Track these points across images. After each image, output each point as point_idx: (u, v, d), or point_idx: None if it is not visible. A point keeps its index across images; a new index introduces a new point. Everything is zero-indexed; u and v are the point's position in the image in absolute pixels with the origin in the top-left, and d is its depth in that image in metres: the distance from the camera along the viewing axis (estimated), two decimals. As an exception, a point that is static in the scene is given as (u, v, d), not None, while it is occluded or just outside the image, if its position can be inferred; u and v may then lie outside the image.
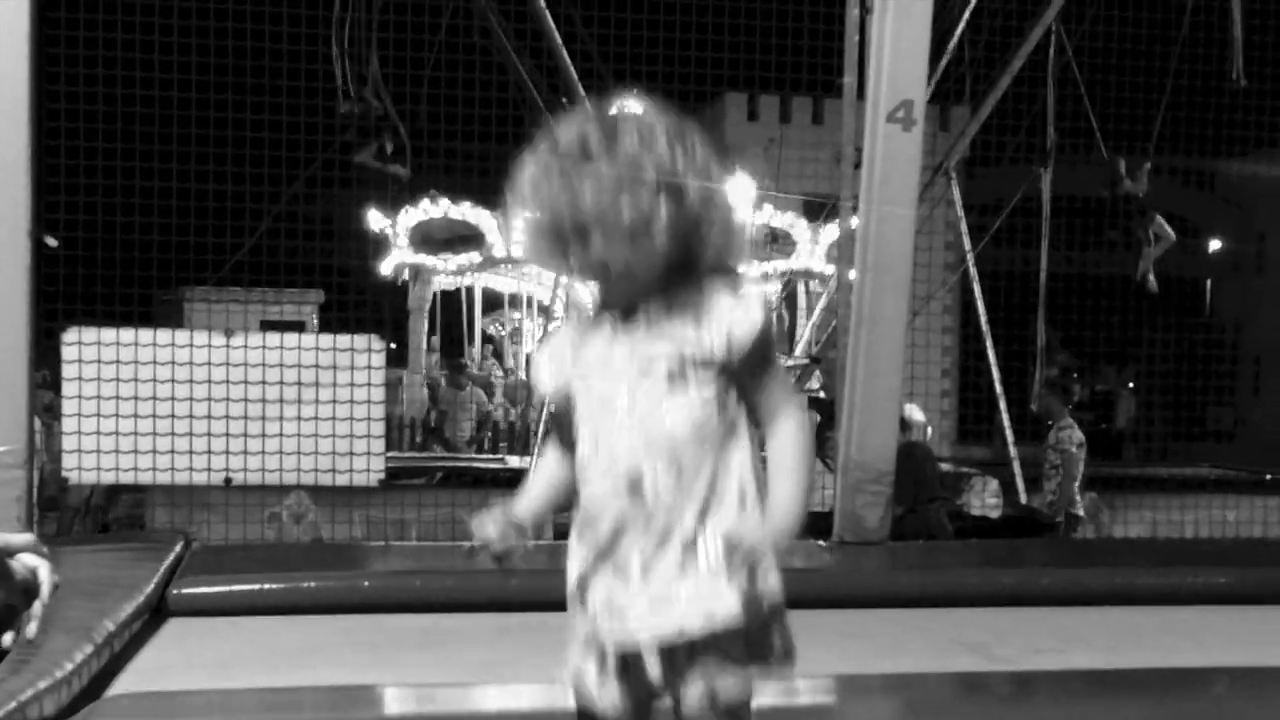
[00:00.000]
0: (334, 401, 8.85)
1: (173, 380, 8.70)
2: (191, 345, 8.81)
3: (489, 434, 17.58)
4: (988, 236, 13.72)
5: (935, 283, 13.66)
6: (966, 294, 13.90)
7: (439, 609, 6.01)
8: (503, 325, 22.56)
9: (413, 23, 12.23)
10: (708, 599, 2.40)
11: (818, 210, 18.19)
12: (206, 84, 12.60)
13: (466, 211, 17.26)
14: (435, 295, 19.82)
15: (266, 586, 6.19)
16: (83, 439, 8.56)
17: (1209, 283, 30.52)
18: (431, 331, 20.08)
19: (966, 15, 11.78)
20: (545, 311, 18.95)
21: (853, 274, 8.21)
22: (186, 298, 15.44)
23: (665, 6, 13.52)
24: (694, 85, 16.13)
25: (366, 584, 6.45)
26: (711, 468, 2.44)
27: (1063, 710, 4.63)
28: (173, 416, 8.70)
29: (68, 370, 8.58)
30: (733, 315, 2.42)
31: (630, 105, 2.57)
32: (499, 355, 22.02)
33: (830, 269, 15.90)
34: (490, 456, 15.10)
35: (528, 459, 11.64)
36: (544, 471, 2.65)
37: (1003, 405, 12.71)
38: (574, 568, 2.53)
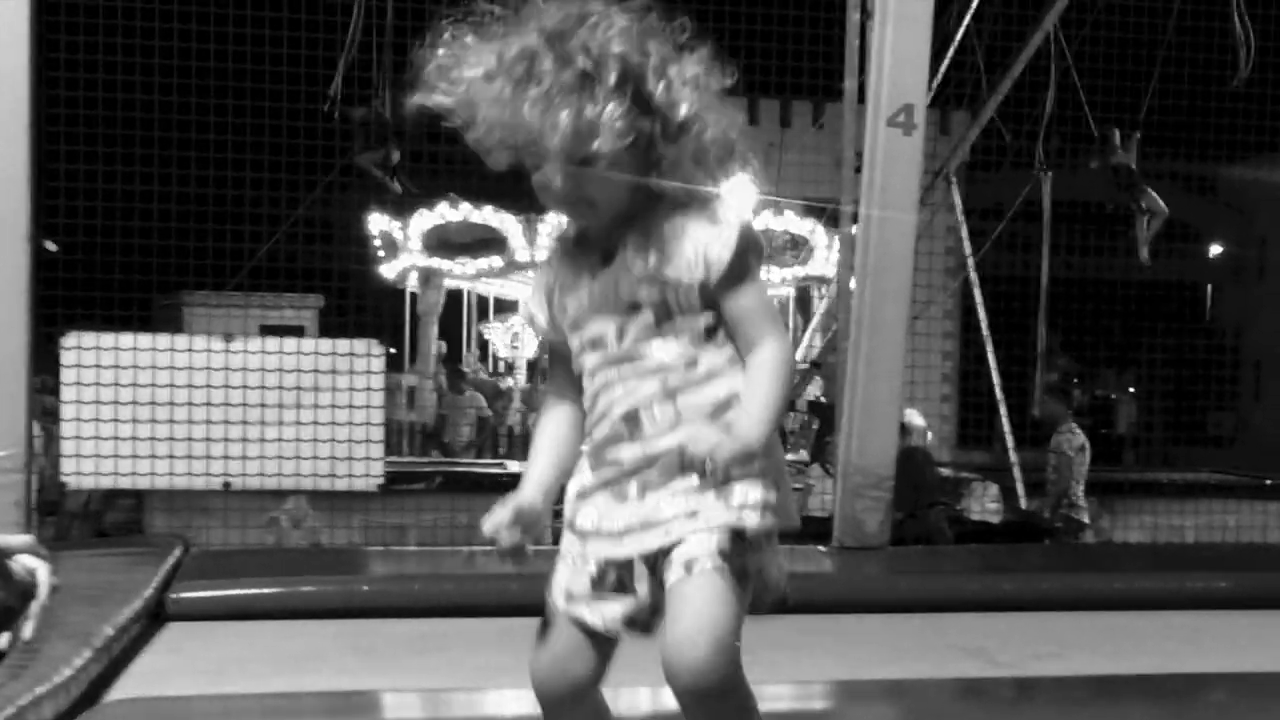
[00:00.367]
0: (333, 406, 8.85)
1: (172, 385, 8.69)
2: (191, 350, 8.80)
3: (488, 438, 17.59)
4: (989, 242, 13.72)
5: (936, 287, 13.64)
6: (967, 299, 13.89)
7: (438, 614, 6.01)
8: (504, 330, 22.55)
9: (413, 27, 12.23)
10: (698, 506, 2.37)
11: (817, 215, 18.20)
12: (207, 88, 12.61)
13: (489, 215, 17.18)
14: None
15: (265, 591, 6.19)
16: (81, 444, 8.55)
17: (1209, 288, 30.51)
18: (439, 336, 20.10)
19: (967, 20, 11.78)
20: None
21: (853, 279, 8.20)
22: (186, 303, 15.45)
23: (665, 12, 13.51)
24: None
25: (365, 589, 6.45)
26: (708, 395, 2.41)
27: (1063, 715, 4.62)
28: (172, 421, 8.69)
29: (67, 375, 8.57)
30: (708, 236, 2.37)
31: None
32: (484, 360, 21.99)
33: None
34: (490, 461, 15.10)
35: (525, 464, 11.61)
36: (547, 432, 2.60)
37: (1003, 410, 12.70)
38: (573, 489, 2.53)
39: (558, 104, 2.24)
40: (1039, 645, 5.78)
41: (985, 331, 12.79)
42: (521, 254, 17.31)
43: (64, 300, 9.84)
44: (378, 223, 17.75)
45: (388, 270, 18.57)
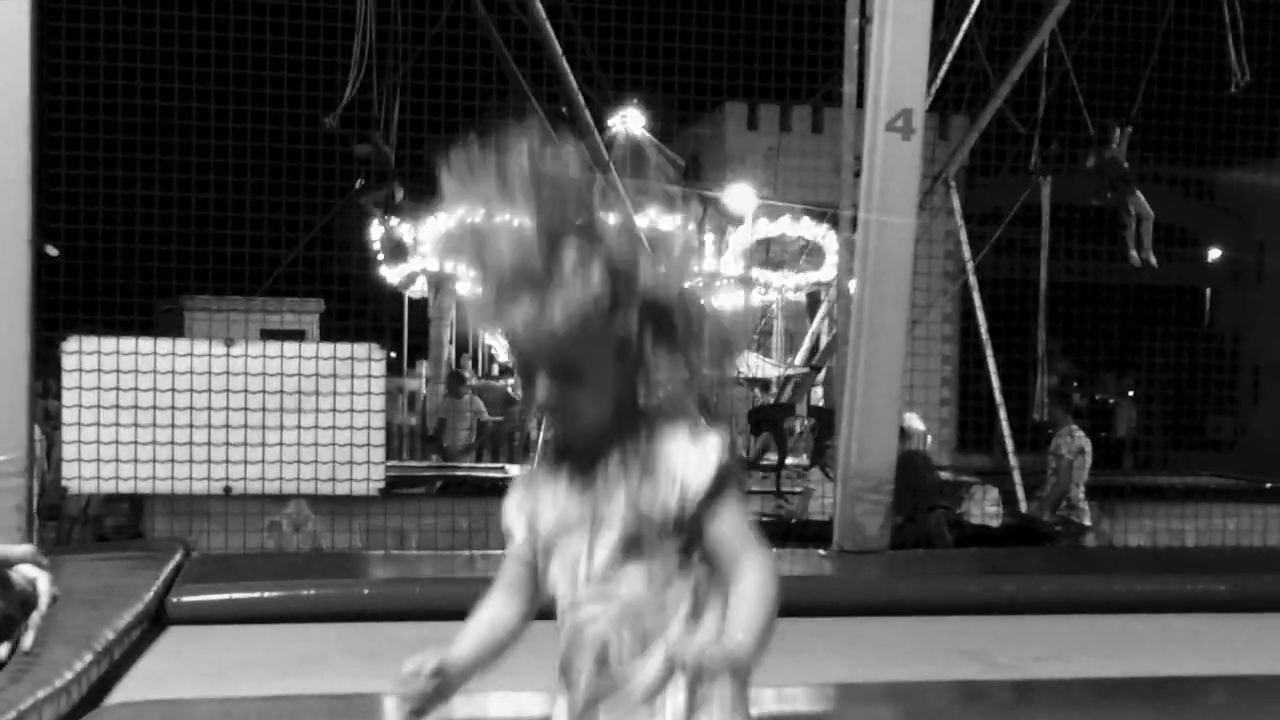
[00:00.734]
0: (334, 410, 8.85)
1: (173, 389, 8.70)
2: (192, 354, 8.81)
3: (486, 442, 17.58)
4: (988, 246, 13.73)
5: (935, 291, 13.66)
6: (966, 303, 13.91)
7: (438, 617, 6.01)
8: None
9: (413, 33, 12.25)
10: None
11: (832, 221, 18.21)
12: (208, 93, 12.63)
13: None
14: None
15: (266, 595, 6.20)
16: (83, 448, 8.56)
17: (1208, 292, 30.53)
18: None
19: (965, 25, 11.80)
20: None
21: (852, 283, 8.22)
22: (187, 307, 15.46)
23: (665, 16, 13.54)
24: (694, 94, 16.17)
25: (366, 592, 6.46)
26: (676, 628, 2.33)
27: (1062, 717, 4.63)
28: (173, 426, 8.70)
29: (68, 379, 8.58)
30: (686, 463, 2.30)
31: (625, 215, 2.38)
32: (475, 365, 22.00)
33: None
34: (490, 465, 15.10)
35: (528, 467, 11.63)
36: (488, 616, 2.52)
37: (1002, 414, 12.71)
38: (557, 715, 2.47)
39: (544, 311, 2.21)
40: (1038, 648, 5.79)
41: (984, 335, 12.80)
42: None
43: (65, 305, 9.85)
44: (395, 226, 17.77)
45: (393, 275, 18.56)
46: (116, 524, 10.25)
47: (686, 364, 2.33)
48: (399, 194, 14.17)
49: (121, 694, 4.68)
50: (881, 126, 7.63)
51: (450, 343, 19.77)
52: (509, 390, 19.90)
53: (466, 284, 2.31)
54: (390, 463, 9.95)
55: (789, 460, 14.17)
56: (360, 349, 9.11)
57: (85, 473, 8.61)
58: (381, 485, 9.10)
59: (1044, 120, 13.66)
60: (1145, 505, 12.17)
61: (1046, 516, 10.80)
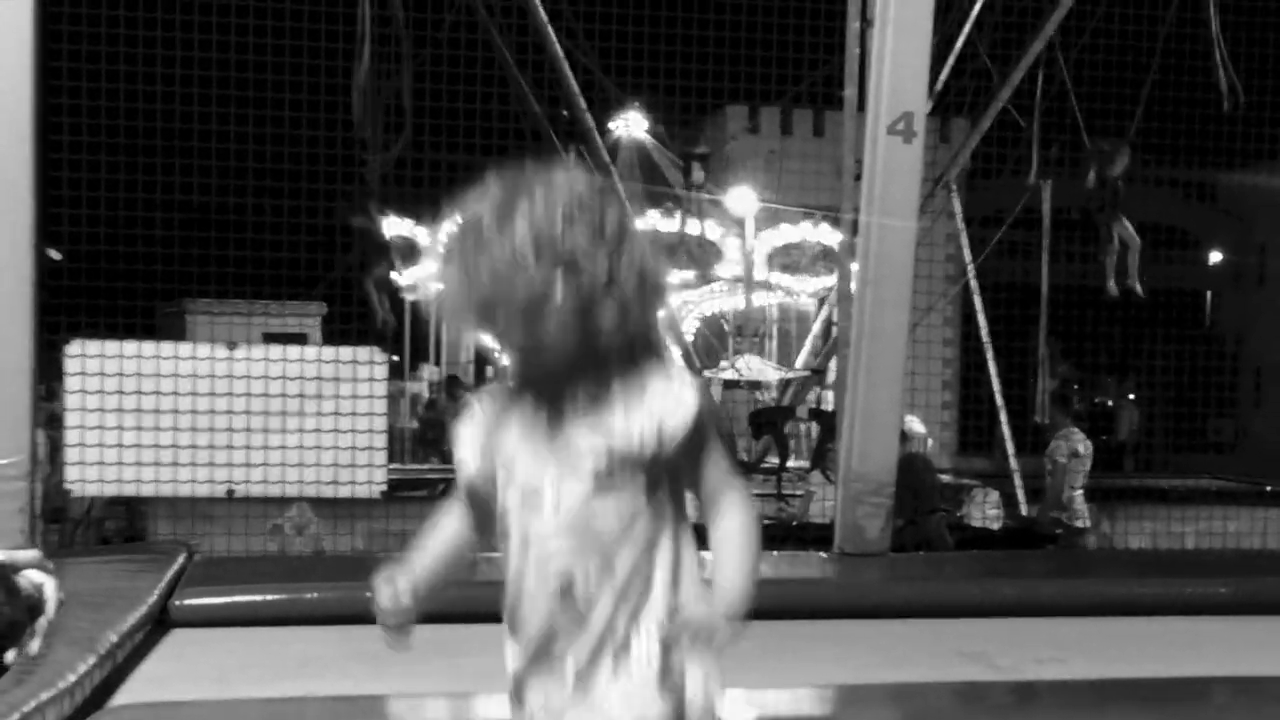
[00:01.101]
0: (336, 414, 8.86)
1: (175, 393, 8.71)
2: (194, 358, 8.83)
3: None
4: (988, 249, 13.75)
5: (936, 294, 13.68)
6: (967, 306, 13.92)
7: (441, 620, 6.01)
8: None
9: (414, 35, 12.26)
10: (639, 704, 2.31)
11: (787, 220, 18.20)
12: (209, 97, 12.64)
13: None
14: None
15: (268, 598, 6.21)
16: (85, 451, 8.57)
17: (1209, 295, 30.53)
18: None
19: (967, 28, 11.82)
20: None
21: (853, 286, 8.23)
22: (189, 310, 15.47)
23: (667, 19, 13.56)
24: (695, 97, 16.18)
25: (368, 595, 6.45)
26: (646, 566, 2.33)
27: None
28: (175, 429, 8.71)
29: (71, 383, 8.59)
30: (664, 403, 2.29)
31: (545, 170, 2.34)
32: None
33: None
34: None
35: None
36: (444, 535, 2.53)
37: (1003, 417, 12.73)
38: (510, 666, 2.44)
39: (519, 267, 2.21)
40: (1039, 650, 5.79)
41: (985, 338, 12.82)
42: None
43: (68, 308, 9.86)
44: (395, 227, 17.73)
45: (405, 278, 18.56)
46: (118, 527, 10.27)
47: (640, 311, 2.31)
48: (398, 265, 14.22)
49: (124, 696, 4.69)
50: (883, 130, 7.63)
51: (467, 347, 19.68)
52: None
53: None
54: (392, 466, 9.96)
55: (790, 463, 14.19)
56: (362, 352, 9.12)
57: (88, 476, 8.62)
58: (383, 488, 9.11)
59: (1044, 123, 13.66)
60: (1146, 507, 12.18)
61: (1042, 519, 10.82)
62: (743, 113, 24.77)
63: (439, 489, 10.92)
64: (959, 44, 11.72)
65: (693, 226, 19.37)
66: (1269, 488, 13.47)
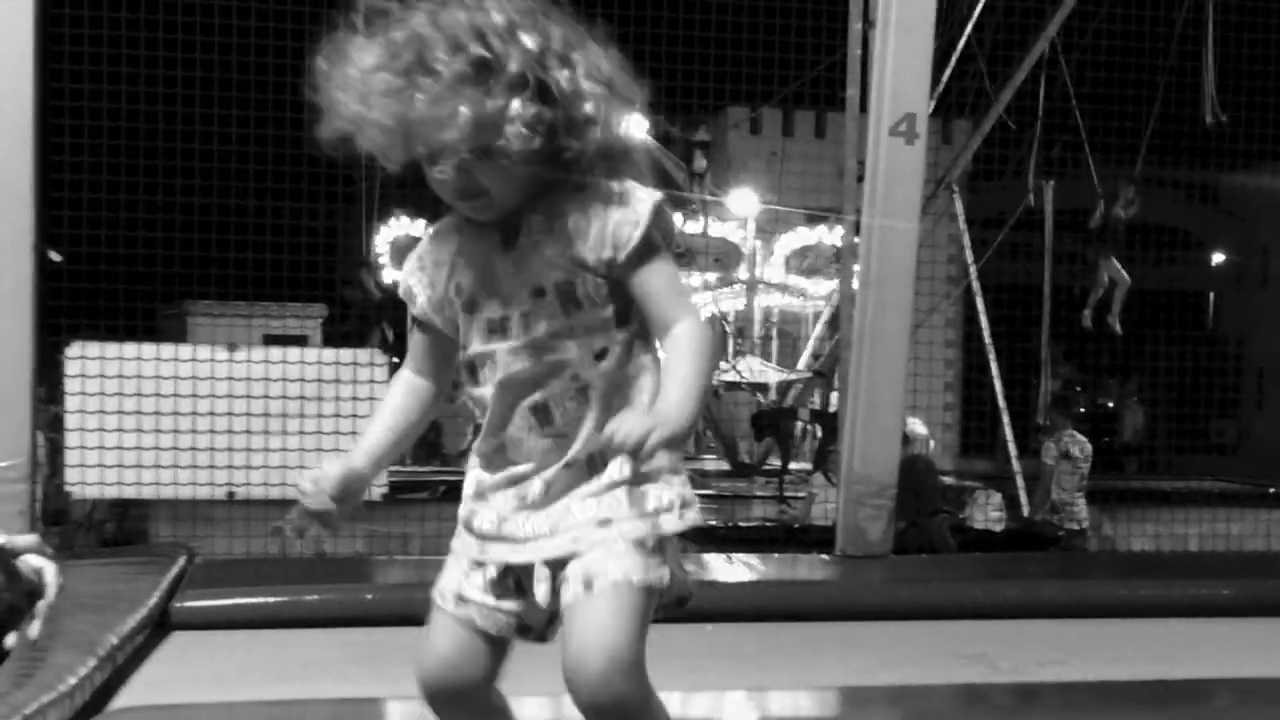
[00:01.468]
0: (337, 416, 8.85)
1: (176, 395, 8.70)
2: (194, 360, 8.82)
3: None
4: (990, 250, 13.73)
5: (938, 296, 13.66)
6: (969, 307, 13.90)
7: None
8: None
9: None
10: (608, 515, 2.26)
11: (804, 223, 18.22)
12: (210, 99, 12.64)
13: None
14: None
15: (269, 600, 6.20)
16: (86, 453, 8.56)
17: (1212, 296, 30.50)
18: None
19: (969, 29, 11.81)
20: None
21: (855, 287, 8.22)
22: (190, 312, 15.47)
23: (668, 20, 13.56)
24: (697, 99, 16.16)
25: (369, 597, 6.46)
26: (618, 385, 2.27)
27: (1065, 722, 4.64)
28: (176, 431, 8.70)
29: (71, 385, 8.58)
30: (616, 216, 2.22)
31: None
32: None
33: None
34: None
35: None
36: (393, 403, 2.47)
37: (1005, 418, 12.71)
38: (469, 488, 2.40)
39: (452, 97, 2.09)
40: (1041, 652, 5.79)
41: (987, 340, 12.80)
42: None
43: (68, 310, 9.86)
44: (394, 230, 17.76)
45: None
46: (121, 529, 10.26)
47: (599, 154, 2.22)
48: (389, 334, 14.24)
49: (125, 699, 4.69)
50: (884, 131, 7.63)
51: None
52: None
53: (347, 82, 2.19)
54: (393, 468, 9.94)
55: (792, 465, 14.18)
56: (363, 354, 9.12)
57: (89, 478, 8.61)
58: (384, 490, 9.10)
59: (1045, 124, 13.66)
60: (1148, 509, 12.17)
61: (1034, 521, 10.83)
62: (744, 114, 24.77)
63: (440, 491, 10.91)
64: (960, 45, 11.70)
65: (716, 229, 19.47)
66: (1271, 489, 13.45)
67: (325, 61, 2.22)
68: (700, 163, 19.71)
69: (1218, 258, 29.63)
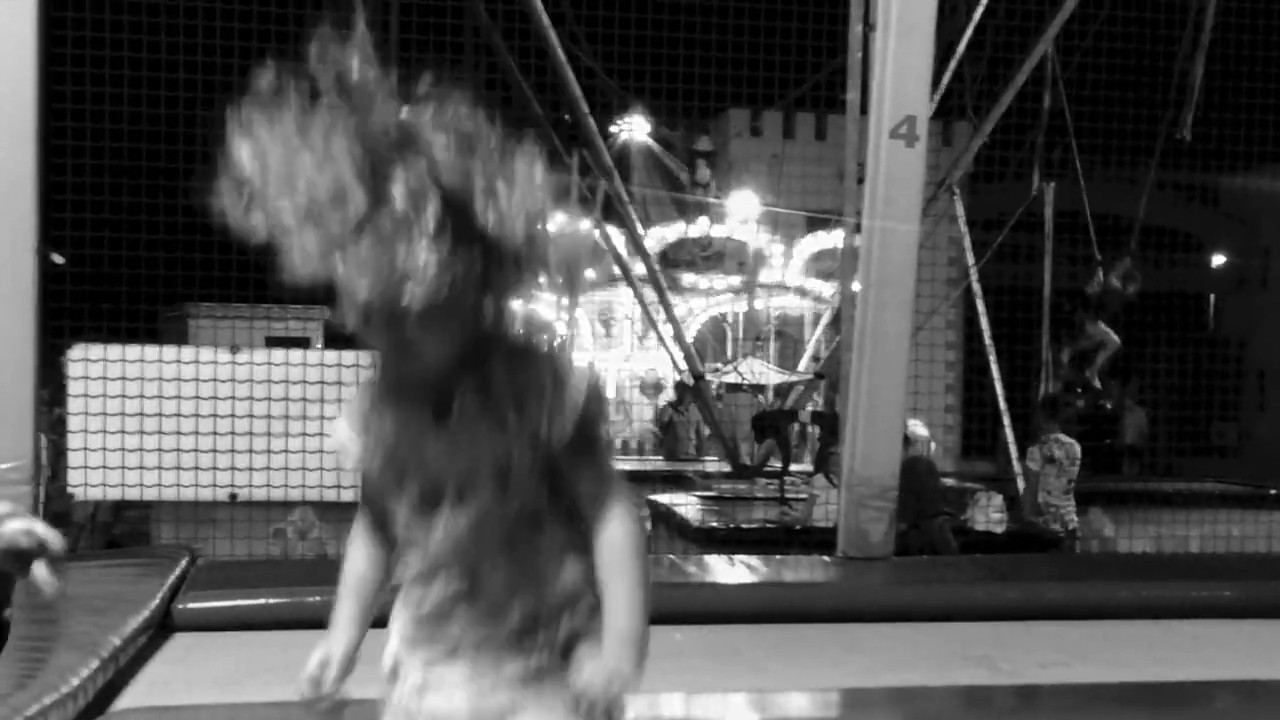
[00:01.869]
0: (339, 417, 8.86)
1: (178, 396, 8.71)
2: (197, 362, 8.83)
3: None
4: (990, 252, 13.75)
5: (939, 298, 13.69)
6: (970, 309, 13.92)
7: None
8: None
9: (417, 40, 12.27)
10: (532, 700, 2.21)
11: (820, 227, 18.23)
12: (211, 101, 12.65)
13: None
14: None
15: (271, 602, 6.20)
16: (89, 455, 8.57)
17: (1213, 298, 30.50)
18: None
19: (969, 31, 11.82)
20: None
21: (856, 289, 8.22)
22: (191, 314, 15.47)
23: (669, 23, 13.58)
24: (698, 101, 16.18)
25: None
26: (546, 560, 2.21)
27: (1067, 724, 4.64)
28: (178, 433, 8.71)
29: (74, 387, 8.59)
30: (555, 396, 2.13)
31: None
32: None
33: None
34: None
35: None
36: (355, 573, 2.42)
37: (1006, 420, 12.72)
38: (392, 645, 2.36)
39: (370, 254, 1.96)
40: (1043, 654, 5.79)
41: (988, 342, 12.81)
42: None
43: (71, 312, 9.87)
44: None
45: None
46: (124, 531, 10.27)
47: (538, 289, 2.13)
48: None
49: (127, 700, 4.69)
50: (885, 133, 7.63)
51: None
52: None
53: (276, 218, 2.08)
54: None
55: (793, 466, 14.18)
56: (365, 356, 9.11)
57: (91, 480, 8.62)
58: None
59: (1046, 127, 13.68)
60: (1150, 511, 12.17)
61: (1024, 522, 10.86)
62: (745, 116, 24.78)
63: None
64: (961, 47, 11.72)
65: (741, 232, 19.50)
66: (1272, 491, 13.44)
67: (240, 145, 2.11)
68: (704, 173, 19.75)
69: (1218, 260, 29.62)
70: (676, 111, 19.46)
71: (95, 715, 4.29)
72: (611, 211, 13.63)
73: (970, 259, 13.07)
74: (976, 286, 12.98)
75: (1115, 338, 14.04)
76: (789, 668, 5.45)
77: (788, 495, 11.97)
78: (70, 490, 8.74)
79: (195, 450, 8.73)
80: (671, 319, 14.75)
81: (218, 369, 8.80)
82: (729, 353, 20.05)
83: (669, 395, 19.08)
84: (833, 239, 18.27)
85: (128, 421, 8.62)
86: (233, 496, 8.87)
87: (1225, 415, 23.88)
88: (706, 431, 17.20)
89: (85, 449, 8.59)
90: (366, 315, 2.04)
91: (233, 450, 8.77)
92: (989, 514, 11.17)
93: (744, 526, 10.42)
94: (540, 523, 2.20)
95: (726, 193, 20.23)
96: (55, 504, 9.24)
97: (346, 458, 2.32)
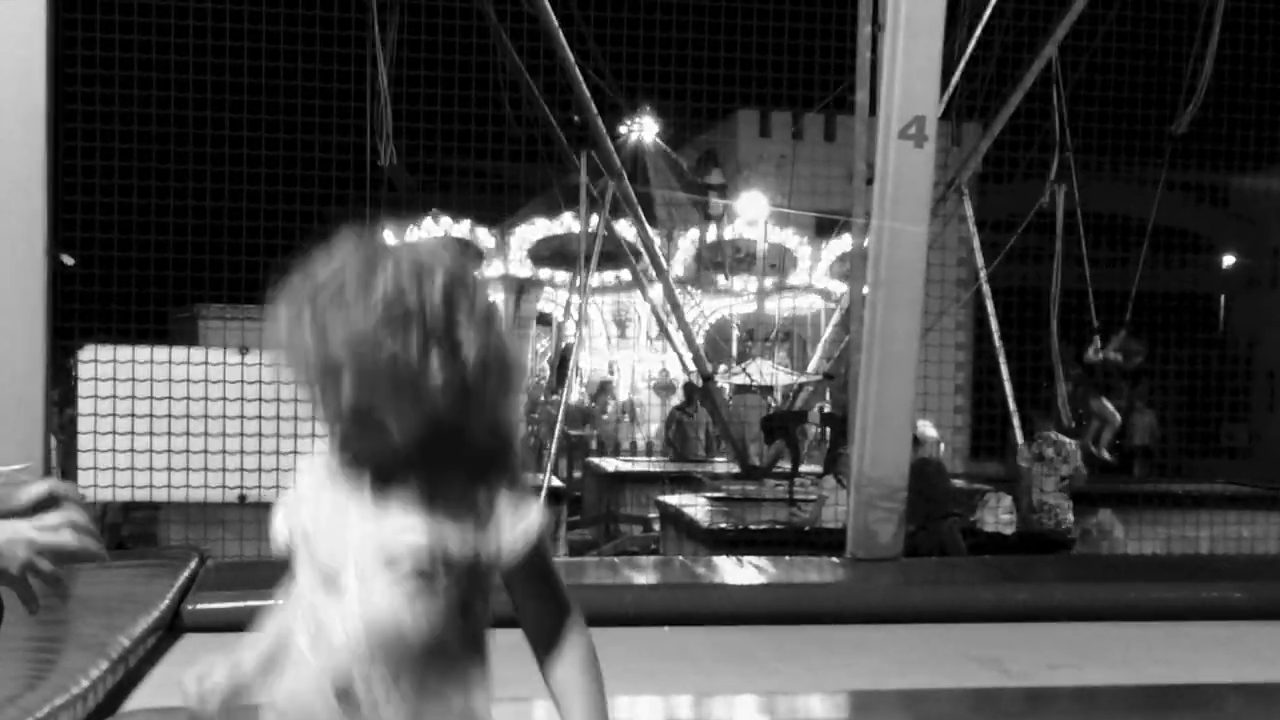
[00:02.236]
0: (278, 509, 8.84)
1: (188, 398, 8.73)
2: (206, 363, 8.85)
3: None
4: (1002, 253, 13.73)
5: (948, 299, 13.67)
6: (979, 310, 13.91)
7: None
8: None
9: (426, 41, 12.28)
10: None
11: (829, 227, 18.23)
12: (223, 102, 12.67)
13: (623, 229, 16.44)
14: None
15: (281, 603, 6.20)
16: (98, 456, 8.59)
17: (1222, 298, 30.48)
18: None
19: (978, 32, 11.81)
20: (557, 328, 18.99)
21: (865, 290, 8.22)
22: (201, 315, 15.50)
23: (678, 24, 13.58)
24: (707, 102, 16.17)
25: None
26: (440, 681, 2.08)
27: (1076, 726, 4.63)
28: (188, 434, 8.73)
29: (84, 388, 8.61)
30: (507, 517, 2.06)
31: (412, 240, 2.16)
32: None
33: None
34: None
35: (538, 476, 11.66)
36: (273, 632, 2.30)
37: (1016, 421, 12.70)
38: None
39: (395, 327, 1.96)
40: (1052, 655, 5.79)
41: (998, 343, 12.80)
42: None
43: (81, 314, 9.89)
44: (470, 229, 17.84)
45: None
46: (133, 532, 10.29)
47: (494, 406, 2.05)
48: None
49: (136, 701, 4.70)
50: (894, 134, 7.63)
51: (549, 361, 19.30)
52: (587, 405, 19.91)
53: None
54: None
55: (802, 467, 14.18)
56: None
57: (101, 480, 8.64)
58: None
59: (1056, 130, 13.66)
60: (1159, 512, 12.16)
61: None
62: (754, 117, 24.80)
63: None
64: (970, 47, 11.71)
65: (774, 235, 19.56)
66: (1283, 492, 13.42)
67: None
68: (717, 206, 19.84)
69: (1228, 260, 29.60)
70: (686, 112, 19.50)
71: (105, 716, 4.30)
72: (621, 212, 13.63)
73: (980, 260, 13.05)
74: (986, 287, 12.97)
75: (1117, 417, 14.08)
76: (798, 669, 5.45)
77: (797, 496, 11.97)
78: (80, 491, 8.74)
79: (204, 451, 8.75)
80: (680, 321, 14.75)
81: (227, 370, 8.81)
82: (735, 353, 20.06)
83: (680, 398, 19.10)
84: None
85: (137, 423, 8.63)
86: (242, 498, 8.88)
87: (1235, 416, 23.86)
88: (715, 432, 17.22)
89: (95, 450, 8.61)
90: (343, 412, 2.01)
91: (242, 451, 8.78)
92: (998, 515, 11.16)
93: (753, 528, 10.42)
94: (443, 640, 2.07)
95: (735, 193, 20.25)
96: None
97: (277, 535, 2.21)
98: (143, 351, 8.79)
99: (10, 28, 6.91)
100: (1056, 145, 13.55)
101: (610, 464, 16.22)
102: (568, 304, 17.21)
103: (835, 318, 18.06)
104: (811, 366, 18.80)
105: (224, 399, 8.77)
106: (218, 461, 8.76)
